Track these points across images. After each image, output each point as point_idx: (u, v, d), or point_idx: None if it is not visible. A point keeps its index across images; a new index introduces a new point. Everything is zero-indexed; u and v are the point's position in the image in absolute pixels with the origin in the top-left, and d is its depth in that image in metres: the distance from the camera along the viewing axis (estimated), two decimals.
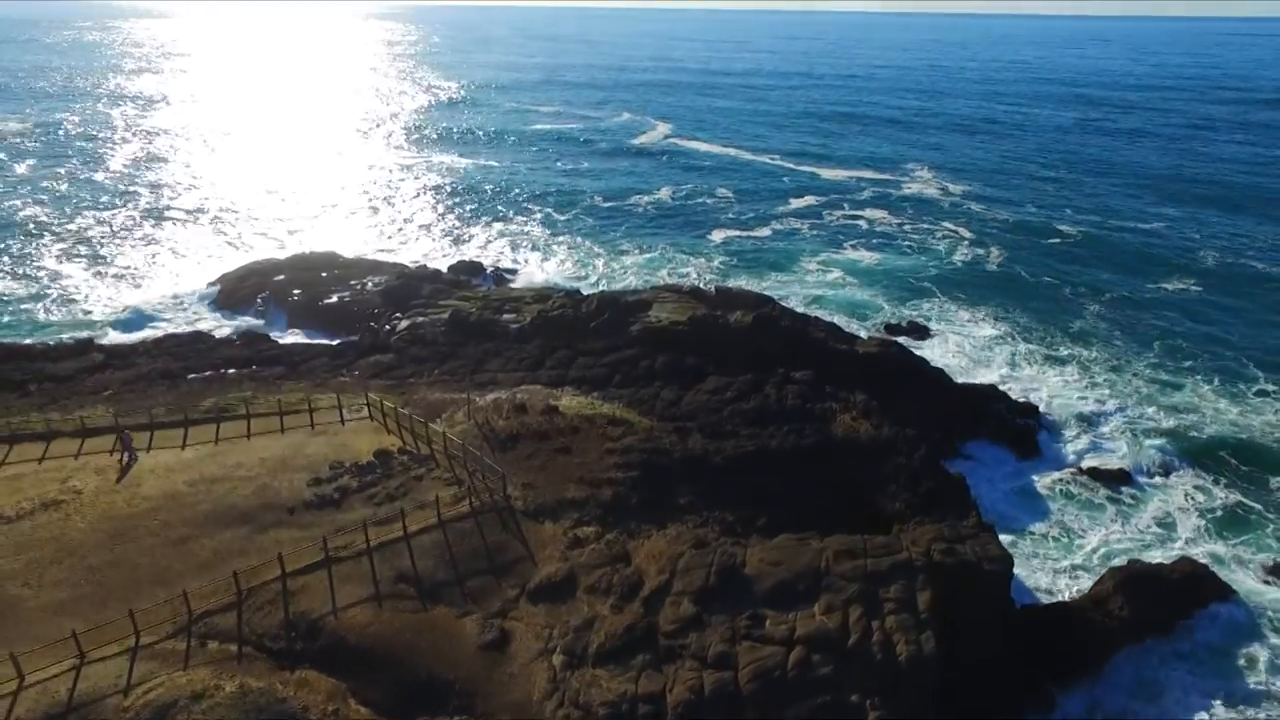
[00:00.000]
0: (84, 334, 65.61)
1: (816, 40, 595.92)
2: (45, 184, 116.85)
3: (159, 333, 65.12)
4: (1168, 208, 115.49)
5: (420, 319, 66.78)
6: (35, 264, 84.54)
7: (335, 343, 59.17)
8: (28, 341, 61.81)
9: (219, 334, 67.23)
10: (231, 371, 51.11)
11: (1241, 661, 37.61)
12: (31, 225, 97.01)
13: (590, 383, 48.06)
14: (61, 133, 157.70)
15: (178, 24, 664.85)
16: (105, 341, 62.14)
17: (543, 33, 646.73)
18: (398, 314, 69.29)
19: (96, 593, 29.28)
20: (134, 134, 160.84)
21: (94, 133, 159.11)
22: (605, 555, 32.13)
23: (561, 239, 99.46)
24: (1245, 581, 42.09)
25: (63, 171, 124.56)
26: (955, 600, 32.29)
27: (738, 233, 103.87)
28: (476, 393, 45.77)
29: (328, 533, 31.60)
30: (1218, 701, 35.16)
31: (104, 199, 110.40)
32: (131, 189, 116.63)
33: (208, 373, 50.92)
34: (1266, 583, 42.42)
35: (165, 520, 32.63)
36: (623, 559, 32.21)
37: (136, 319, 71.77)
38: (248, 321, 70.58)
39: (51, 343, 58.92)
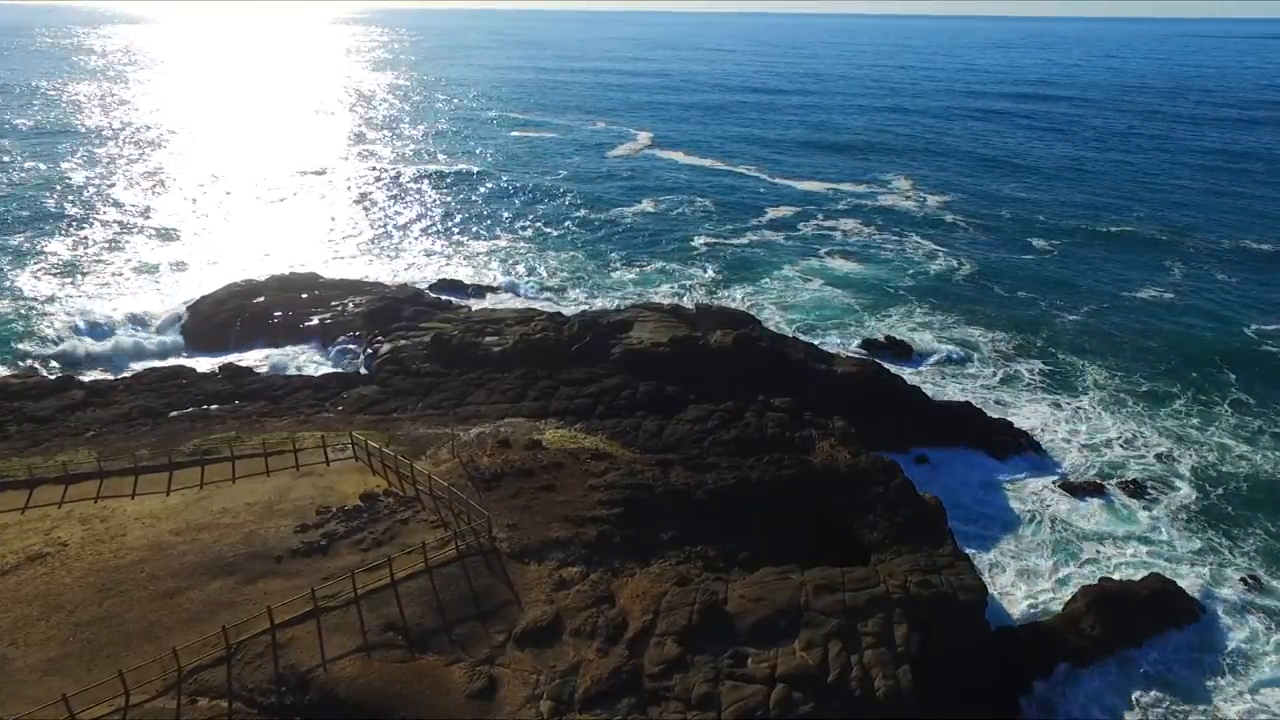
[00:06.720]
0: (61, 364, 65.44)
1: (796, 46, 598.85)
2: (15, 202, 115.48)
3: (138, 364, 65.02)
4: (1139, 211, 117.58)
5: (402, 341, 66.95)
6: (5, 288, 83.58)
7: (318, 374, 59.21)
8: (3, 372, 61.49)
9: (196, 358, 67.07)
10: (214, 408, 51.06)
11: (1210, 677, 38.82)
12: (2, 247, 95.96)
13: (573, 414, 48.60)
14: (26, 150, 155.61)
15: (143, 29, 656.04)
16: (84, 375, 61.86)
17: (518, 38, 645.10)
18: (379, 336, 69.47)
19: (85, 650, 29.47)
20: (104, 151, 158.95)
21: (60, 150, 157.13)
22: (590, 597, 32.71)
23: (546, 253, 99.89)
24: (1214, 597, 43.29)
25: (32, 190, 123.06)
26: (932, 632, 33.26)
27: (720, 241, 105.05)
28: (460, 427, 46.20)
29: (315, 582, 31.91)
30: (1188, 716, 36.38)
31: (75, 219, 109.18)
32: (103, 208, 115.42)
33: (190, 409, 50.85)
34: (1236, 598, 43.59)
35: (152, 573, 32.80)
36: (607, 600, 32.80)
37: (112, 345, 71.29)
38: (225, 352, 70.13)
39: (31, 378, 58.57)
